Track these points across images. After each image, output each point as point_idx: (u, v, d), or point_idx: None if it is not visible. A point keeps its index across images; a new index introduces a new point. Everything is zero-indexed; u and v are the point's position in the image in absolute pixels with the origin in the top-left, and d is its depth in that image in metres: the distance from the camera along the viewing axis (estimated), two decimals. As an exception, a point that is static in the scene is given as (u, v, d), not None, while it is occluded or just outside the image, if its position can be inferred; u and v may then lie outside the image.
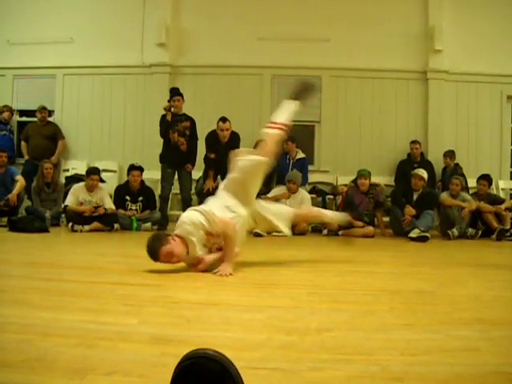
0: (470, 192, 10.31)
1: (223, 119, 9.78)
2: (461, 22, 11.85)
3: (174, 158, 9.65)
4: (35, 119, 12.07)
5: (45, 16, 12.44)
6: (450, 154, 11.32)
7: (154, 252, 4.75)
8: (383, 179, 11.32)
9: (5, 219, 9.54)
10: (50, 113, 12.43)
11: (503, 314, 3.45)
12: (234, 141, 9.82)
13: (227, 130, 9.78)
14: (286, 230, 5.61)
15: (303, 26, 12.03)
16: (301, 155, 11.00)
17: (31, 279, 4.29)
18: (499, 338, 2.81)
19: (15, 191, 9.75)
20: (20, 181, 9.95)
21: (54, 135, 11.92)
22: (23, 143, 11.88)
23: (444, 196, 9.75)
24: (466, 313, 3.43)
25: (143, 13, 12.26)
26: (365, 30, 11.93)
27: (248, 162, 5.36)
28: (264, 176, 5.58)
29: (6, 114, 12.10)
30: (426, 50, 11.87)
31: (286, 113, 5.76)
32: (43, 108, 11.92)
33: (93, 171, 9.58)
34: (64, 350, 2.39)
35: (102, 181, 9.79)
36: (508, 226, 9.59)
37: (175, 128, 9.62)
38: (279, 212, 5.66)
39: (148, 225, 9.72)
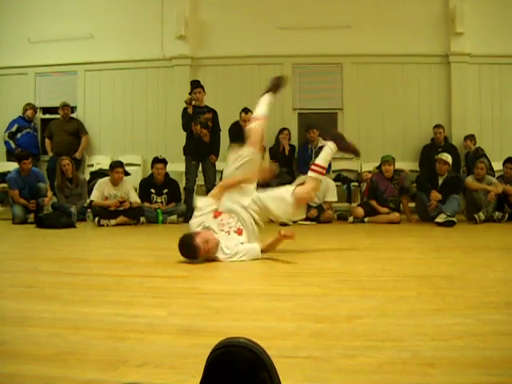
0: (496, 175, 10.21)
1: (245, 110, 9.77)
2: (482, 4, 11.70)
3: (198, 149, 9.65)
4: (58, 116, 12.13)
5: (64, 13, 12.47)
6: (469, 138, 11.22)
7: (192, 248, 4.80)
8: (407, 165, 11.24)
9: (32, 216, 9.62)
10: (73, 109, 12.49)
11: (534, 297, 3.42)
12: (257, 131, 9.81)
13: (250, 120, 9.77)
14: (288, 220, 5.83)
15: (323, 14, 11.95)
16: (322, 143, 10.94)
17: (60, 274, 4.32)
18: (530, 321, 2.79)
19: (48, 199, 9.82)
20: (49, 191, 10.03)
21: (77, 131, 11.98)
22: (47, 140, 11.94)
23: (469, 180, 9.67)
24: (495, 297, 3.41)
25: (162, 6, 12.25)
26: (385, 15, 11.83)
27: (240, 157, 5.53)
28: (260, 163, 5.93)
29: (29, 112, 12.17)
30: (447, 33, 11.74)
31: (263, 106, 6.13)
32: (65, 105, 11.97)
33: (117, 164, 9.59)
34: (95, 343, 2.41)
35: (127, 173, 9.79)
36: (535, 209, 9.50)
37: (197, 120, 9.62)
38: (280, 198, 5.63)
39: (174, 217, 9.72)
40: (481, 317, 2.85)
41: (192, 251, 4.78)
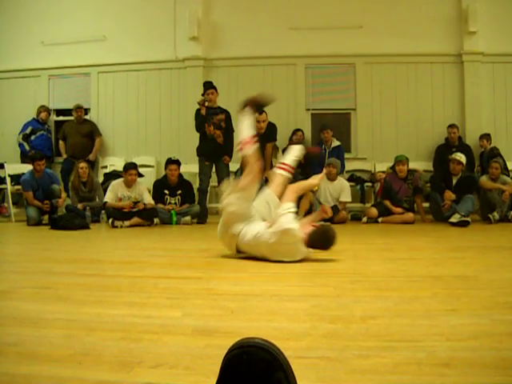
0: (511, 175, 10.17)
1: (260, 111, 9.77)
2: (495, 2, 11.67)
3: (211, 150, 9.66)
4: (72, 118, 12.19)
5: (77, 15, 12.54)
6: (485, 137, 11.18)
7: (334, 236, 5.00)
8: (421, 165, 11.22)
9: (46, 217, 9.67)
10: (86, 111, 12.54)
11: (550, 297, 3.41)
12: (271, 132, 9.83)
13: (264, 121, 9.76)
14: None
15: (335, 14, 11.95)
16: (336, 143, 10.96)
17: (75, 275, 4.33)
18: (546, 321, 2.77)
19: (62, 200, 9.88)
20: (63, 193, 10.09)
21: (91, 133, 12.03)
22: (61, 142, 11.99)
23: (484, 179, 9.63)
24: (511, 296, 3.39)
25: (174, 7, 12.28)
26: (397, 14, 11.81)
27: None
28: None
29: (43, 115, 12.24)
30: (460, 32, 11.70)
31: (248, 127, 5.74)
32: (79, 107, 12.03)
33: (130, 166, 9.61)
34: (109, 344, 2.42)
35: (141, 175, 9.82)
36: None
37: (211, 121, 9.63)
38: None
39: (187, 218, 9.72)
40: (496, 317, 2.84)
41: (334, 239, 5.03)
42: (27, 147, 11.80)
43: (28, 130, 11.98)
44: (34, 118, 12.19)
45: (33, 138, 11.97)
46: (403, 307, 3.12)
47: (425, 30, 11.73)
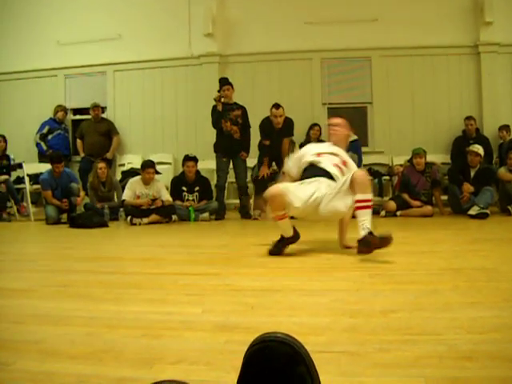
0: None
1: (276, 105, 9.74)
2: (511, -6, 11.62)
3: (228, 146, 9.67)
4: (89, 117, 12.25)
5: (92, 14, 12.57)
6: (505, 128, 11.10)
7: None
8: (439, 157, 11.16)
9: (65, 216, 9.71)
10: (103, 109, 12.59)
11: None
12: (288, 127, 9.81)
13: (281, 116, 9.74)
14: None
15: (350, 8, 11.91)
16: (353, 137, 10.88)
17: (94, 273, 4.35)
18: None
19: (80, 199, 9.93)
20: (82, 192, 10.15)
21: (108, 131, 12.08)
22: (79, 141, 12.05)
23: (502, 171, 9.55)
24: (532, 288, 3.38)
25: (189, 4, 12.29)
26: (412, 6, 11.74)
27: None
28: None
29: (60, 114, 12.29)
30: (476, 23, 11.62)
31: None
32: (96, 106, 12.08)
33: (148, 164, 9.63)
34: (130, 341, 2.42)
35: (158, 173, 9.84)
36: None
37: (227, 117, 9.64)
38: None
39: (206, 215, 9.74)
40: (517, 309, 2.83)
41: None
42: (45, 147, 11.87)
43: (45, 130, 12.04)
44: (50, 118, 12.25)
45: (50, 137, 12.03)
46: (423, 300, 3.10)
47: (440, 22, 11.67)
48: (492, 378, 1.92)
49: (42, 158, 11.66)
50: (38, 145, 11.99)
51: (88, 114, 12.29)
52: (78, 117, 12.97)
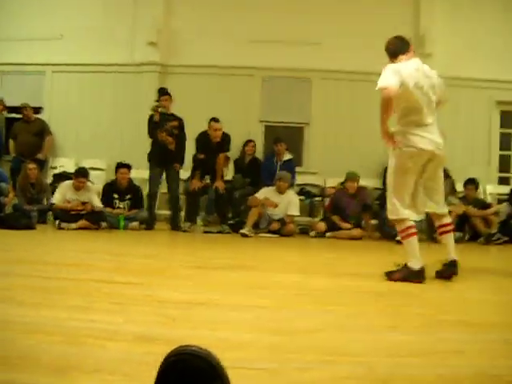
0: (459, 196, 10.31)
1: (215, 119, 9.75)
2: (452, 27, 11.84)
3: (162, 157, 9.61)
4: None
5: (35, 12, 12.36)
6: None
7: None
8: (372, 182, 11.30)
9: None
10: (39, 110, 12.37)
11: (488, 317, 3.46)
12: (225, 142, 9.83)
13: (220, 129, 9.75)
14: None
15: (294, 29, 12.00)
16: (288, 156, 11.00)
17: (17, 276, 4.26)
18: (484, 341, 2.82)
19: (9, 199, 9.74)
20: (11, 192, 9.96)
21: (41, 132, 11.81)
22: (11, 141, 11.78)
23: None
24: (451, 315, 3.44)
25: (135, 11, 12.20)
26: (356, 33, 11.89)
27: None
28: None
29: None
30: (416, 54, 11.77)
31: None
32: (25, 106, 11.81)
33: (81, 173, 9.46)
34: (48, 348, 2.37)
35: (90, 182, 9.73)
36: (495, 231, 9.62)
37: (163, 127, 9.59)
38: None
39: (135, 224, 9.66)
40: (437, 335, 2.88)
41: None
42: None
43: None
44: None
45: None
46: (346, 322, 3.13)
47: (382, 50, 11.79)
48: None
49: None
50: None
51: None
52: (13, 115, 12.69)
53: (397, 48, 5.54)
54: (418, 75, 5.26)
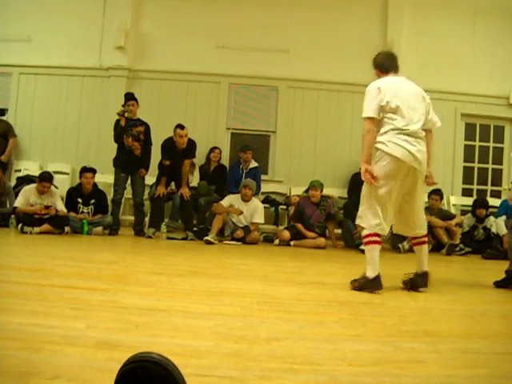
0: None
1: (181, 126, 9.73)
2: (419, 39, 11.99)
3: (128, 162, 9.58)
4: (-14, 117, 11.90)
5: (2, 14, 12.26)
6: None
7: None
8: (337, 191, 11.38)
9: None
10: (3, 111, 12.25)
11: (450, 327, 3.49)
12: (191, 148, 9.79)
13: (185, 136, 9.72)
14: None
15: (263, 37, 12.05)
16: (253, 164, 11.03)
17: (-23, 280, 4.22)
18: (446, 351, 2.84)
19: None
20: None
21: (5, 133, 11.69)
22: (-26, 143, 11.67)
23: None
24: (414, 325, 3.47)
25: (103, 15, 12.16)
26: (324, 43, 11.99)
27: None
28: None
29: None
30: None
31: None
32: (-12, 108, 11.73)
33: (46, 178, 9.34)
34: (8, 354, 2.35)
35: (54, 187, 9.63)
36: (457, 241, 9.73)
37: (129, 133, 9.55)
38: None
39: (99, 229, 9.60)
40: (399, 344, 2.90)
41: None
42: None
43: None
44: None
45: None
46: (308, 330, 3.14)
47: (349, 60, 11.93)
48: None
49: None
50: None
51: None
52: (-23, 116, 12.57)
53: (389, 65, 5.54)
54: (401, 88, 5.27)
